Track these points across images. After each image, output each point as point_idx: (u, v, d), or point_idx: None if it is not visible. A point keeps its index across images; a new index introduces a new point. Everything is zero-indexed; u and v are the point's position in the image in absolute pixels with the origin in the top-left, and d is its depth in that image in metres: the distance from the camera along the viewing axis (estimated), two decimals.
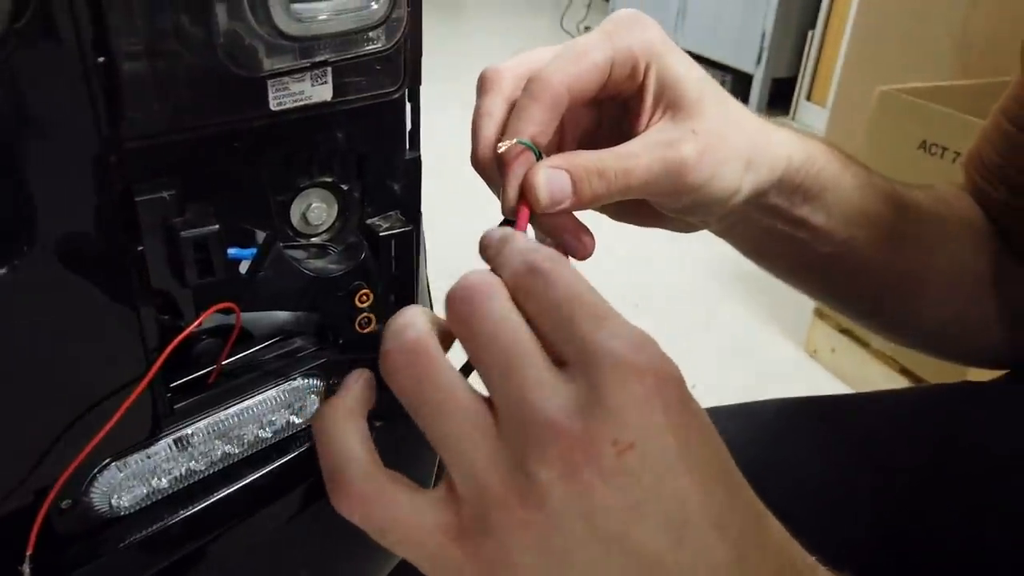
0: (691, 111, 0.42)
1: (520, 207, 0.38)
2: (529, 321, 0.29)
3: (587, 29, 4.83)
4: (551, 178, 0.38)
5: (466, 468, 0.28)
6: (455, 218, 1.63)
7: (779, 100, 3.50)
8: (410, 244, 0.42)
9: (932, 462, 0.53)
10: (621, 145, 0.41)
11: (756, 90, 3.48)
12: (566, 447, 0.26)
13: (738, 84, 3.60)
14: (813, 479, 0.55)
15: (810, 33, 3.30)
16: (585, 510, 0.26)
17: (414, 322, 0.30)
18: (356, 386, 0.33)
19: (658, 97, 0.42)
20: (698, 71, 0.43)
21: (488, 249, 0.33)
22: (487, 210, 0.33)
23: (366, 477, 0.29)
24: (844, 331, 1.74)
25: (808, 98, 3.39)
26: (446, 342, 0.31)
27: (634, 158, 0.40)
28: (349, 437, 0.31)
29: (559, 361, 0.28)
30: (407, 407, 0.29)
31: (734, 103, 0.45)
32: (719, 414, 0.61)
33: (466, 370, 0.30)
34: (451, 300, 0.30)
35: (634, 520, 0.26)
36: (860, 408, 0.61)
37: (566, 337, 0.28)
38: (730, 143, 0.43)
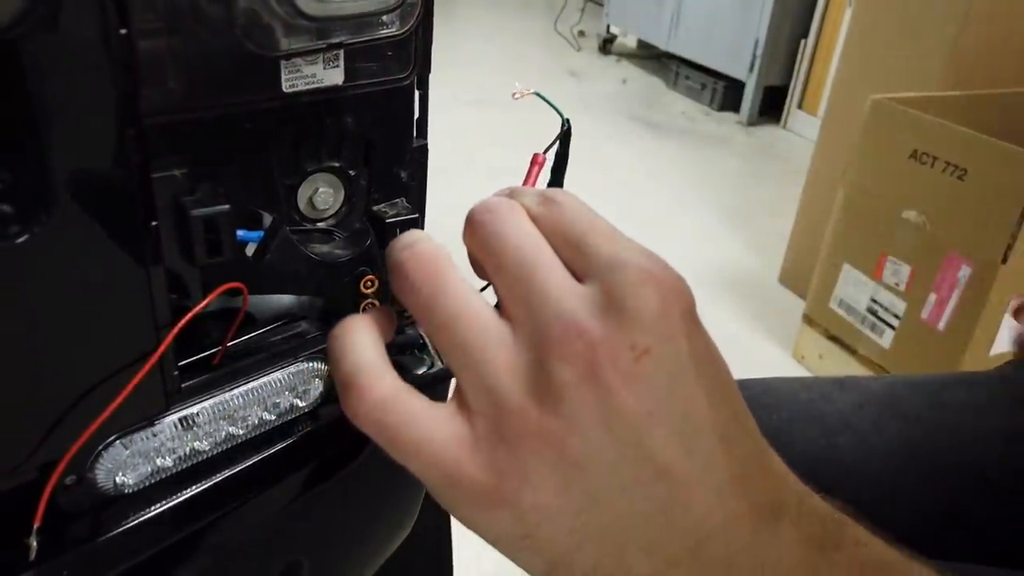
0: None
1: (530, 170, 0.39)
2: None
3: (581, 33, 4.85)
4: None
5: (480, 378, 0.28)
6: (449, 218, 1.63)
7: (771, 108, 3.53)
8: None
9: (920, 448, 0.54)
10: None
11: (748, 98, 3.51)
12: (587, 346, 0.26)
13: (730, 91, 3.62)
14: (817, 461, 0.56)
15: (803, 42, 3.33)
16: (602, 414, 0.26)
17: (424, 236, 0.31)
18: (374, 311, 0.34)
19: None
20: None
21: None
22: None
23: (384, 382, 0.29)
24: (832, 337, 1.75)
25: (800, 106, 3.42)
26: None
27: None
28: (366, 344, 0.31)
29: (576, 278, 0.29)
30: (419, 318, 0.30)
31: None
32: None
33: None
34: (473, 213, 0.30)
35: (648, 426, 0.26)
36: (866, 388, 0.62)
37: (582, 253, 0.29)
38: None
